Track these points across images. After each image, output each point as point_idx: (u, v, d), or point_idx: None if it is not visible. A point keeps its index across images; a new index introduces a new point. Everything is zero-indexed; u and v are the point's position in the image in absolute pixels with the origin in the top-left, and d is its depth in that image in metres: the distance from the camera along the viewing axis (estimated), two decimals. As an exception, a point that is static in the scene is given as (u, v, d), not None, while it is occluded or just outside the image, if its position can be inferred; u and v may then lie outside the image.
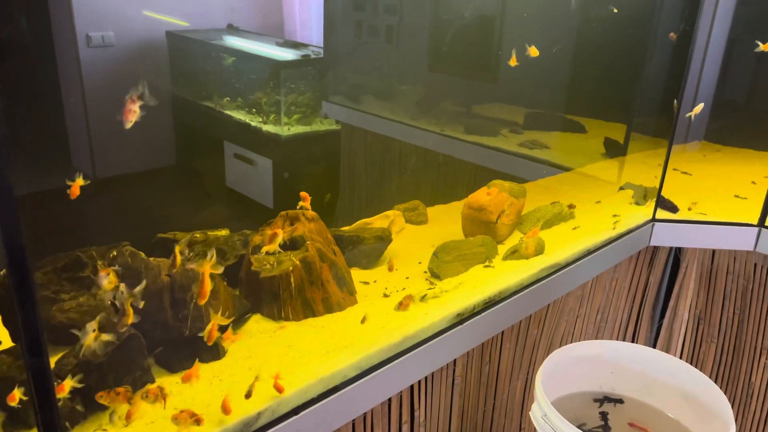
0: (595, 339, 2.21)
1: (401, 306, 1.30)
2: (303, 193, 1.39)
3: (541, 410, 1.31)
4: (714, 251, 2.18)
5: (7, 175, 0.69)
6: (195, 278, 1.18)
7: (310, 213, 1.32)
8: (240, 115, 4.10)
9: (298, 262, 1.25)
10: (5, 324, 1.10)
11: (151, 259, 1.18)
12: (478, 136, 2.96)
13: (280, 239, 1.19)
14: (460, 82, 3.34)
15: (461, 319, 1.47)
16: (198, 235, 1.43)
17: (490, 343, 1.69)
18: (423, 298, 1.40)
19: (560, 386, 1.48)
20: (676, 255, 2.26)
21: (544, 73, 2.91)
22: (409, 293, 1.30)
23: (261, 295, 1.26)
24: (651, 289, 2.32)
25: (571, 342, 2.09)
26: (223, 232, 1.46)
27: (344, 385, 1.24)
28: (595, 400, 1.50)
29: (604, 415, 1.45)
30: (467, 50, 3.15)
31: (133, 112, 0.89)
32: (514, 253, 1.53)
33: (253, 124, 4.05)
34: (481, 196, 1.57)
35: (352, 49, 3.65)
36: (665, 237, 2.07)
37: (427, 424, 1.59)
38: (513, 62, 1.65)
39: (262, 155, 3.97)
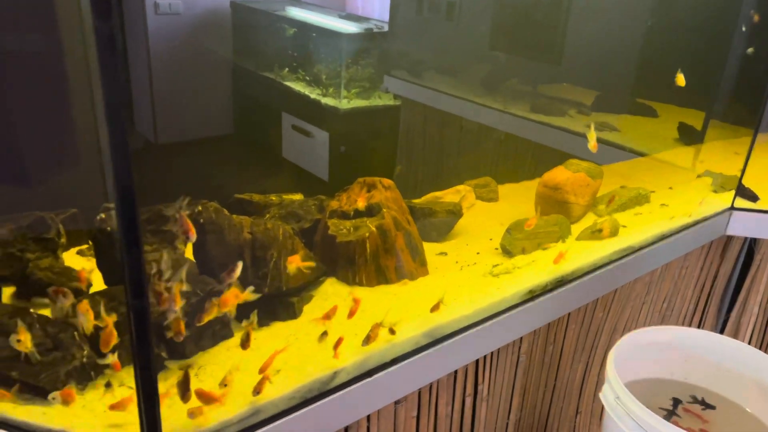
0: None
1: (369, 339, 1.17)
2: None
3: (614, 392, 1.28)
4: (793, 245, 2.09)
5: (125, 121, 0.71)
6: (276, 237, 1.19)
7: (387, 181, 1.32)
8: (299, 87, 4.12)
9: (374, 229, 1.25)
10: (100, 267, 1.14)
11: (234, 216, 1.20)
12: (544, 115, 2.90)
13: (362, 205, 1.19)
14: (523, 62, 3.27)
15: (533, 296, 1.45)
16: (273, 198, 1.45)
17: (557, 323, 1.67)
18: (493, 272, 1.39)
19: (631, 370, 1.44)
20: (751, 246, 2.17)
21: (613, 54, 2.81)
22: (377, 322, 1.19)
23: (336, 259, 1.27)
24: (720, 280, 2.24)
25: (635, 328, 2.05)
26: (297, 197, 1.47)
27: (415, 352, 1.25)
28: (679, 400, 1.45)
29: (675, 402, 1.42)
30: (531, 29, 3.07)
31: (190, 228, 0.95)
32: (595, 233, 1.49)
33: (312, 96, 4.07)
34: (558, 174, 1.54)
35: (418, 25, 3.61)
36: (742, 227, 1.99)
37: (490, 398, 1.59)
38: (680, 81, 1.58)
39: (320, 128, 3.99)
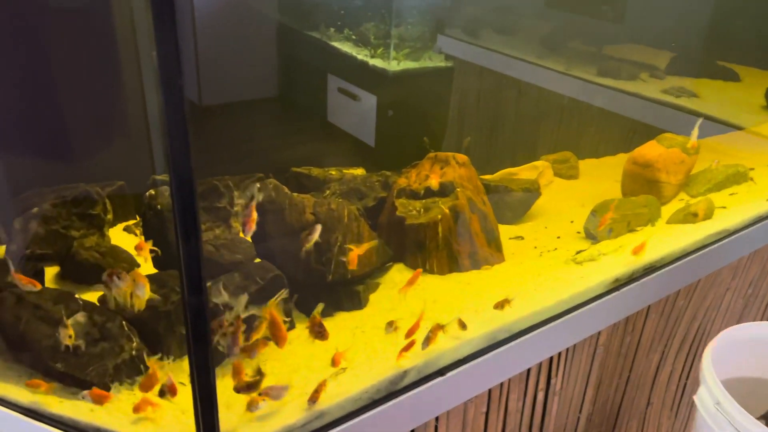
0: (742, 314, 1.98)
1: (428, 341, 1.04)
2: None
3: (712, 397, 1.14)
4: None
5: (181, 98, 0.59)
6: (341, 219, 1.07)
7: (461, 157, 1.18)
8: (346, 47, 3.95)
9: (447, 211, 1.12)
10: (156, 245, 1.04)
11: (295, 195, 1.08)
12: (613, 79, 2.67)
13: (435, 183, 1.06)
14: (586, 20, 3.03)
15: (618, 285, 1.31)
16: (333, 173, 1.33)
17: (637, 312, 1.52)
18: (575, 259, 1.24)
19: (726, 368, 1.29)
20: None
21: (688, 11, 2.56)
22: (437, 323, 1.03)
23: (405, 244, 1.14)
24: (811, 265, 2.03)
25: (716, 316, 1.88)
26: (359, 171, 1.35)
27: (489, 348, 1.12)
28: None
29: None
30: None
31: (253, 220, 0.82)
32: (688, 215, 1.32)
33: (359, 57, 3.90)
34: (649, 150, 1.37)
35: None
36: None
37: (562, 393, 1.46)
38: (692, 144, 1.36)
39: (367, 90, 3.83)
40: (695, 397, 1.20)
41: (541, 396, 1.41)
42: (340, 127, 4.10)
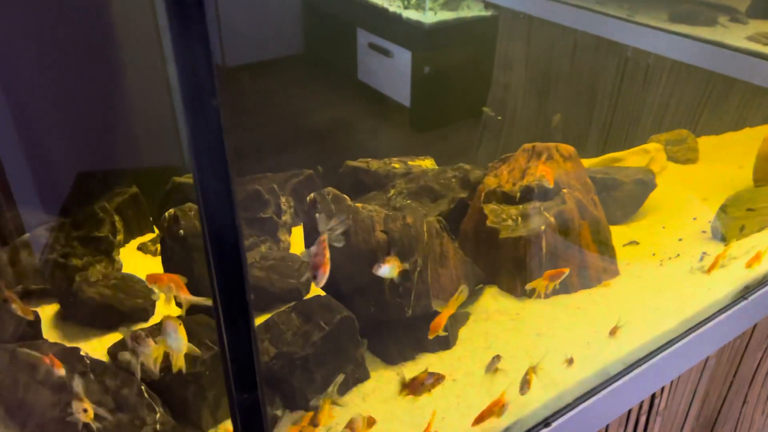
0: None
1: (524, 387, 0.81)
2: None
3: None
4: None
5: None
6: (419, 236, 0.84)
7: (566, 148, 0.93)
8: (377, -1, 3.66)
9: (552, 219, 0.88)
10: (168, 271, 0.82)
11: (359, 205, 0.85)
12: (689, 25, 2.34)
13: (549, 179, 0.82)
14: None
15: (747, 293, 1.07)
16: (396, 165, 1.09)
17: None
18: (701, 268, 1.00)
19: None
20: None
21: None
22: (531, 366, 0.78)
23: (498, 261, 0.91)
24: None
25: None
26: (427, 162, 1.11)
27: (598, 388, 0.91)
28: None
29: None
30: None
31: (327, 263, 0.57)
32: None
33: (391, 9, 3.59)
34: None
35: None
36: None
37: (666, 412, 1.25)
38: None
39: (401, 45, 3.53)
40: None
41: (643, 419, 1.20)
42: (372, 86, 3.82)
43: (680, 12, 2.41)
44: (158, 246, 0.97)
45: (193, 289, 0.72)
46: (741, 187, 1.05)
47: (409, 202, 0.98)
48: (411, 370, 0.84)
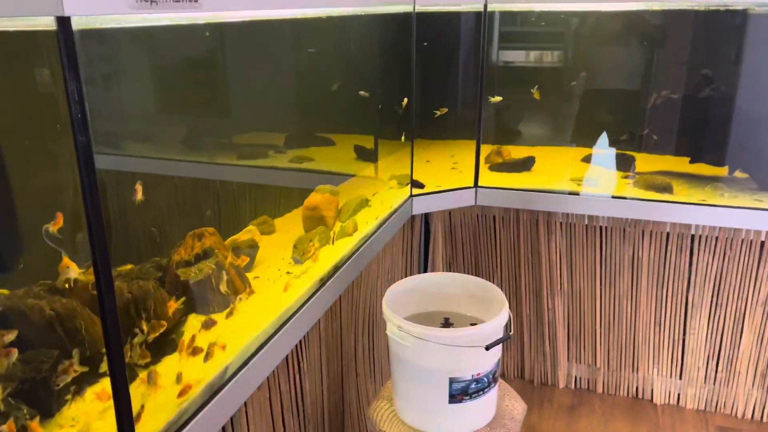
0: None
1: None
2: None
3: (395, 325, 1.92)
4: (450, 211, 3.09)
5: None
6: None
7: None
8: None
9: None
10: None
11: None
12: (251, 159, 3.44)
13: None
14: (205, 120, 3.75)
15: (322, 284, 2.01)
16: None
17: (338, 302, 2.25)
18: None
19: (406, 309, 2.13)
20: (426, 220, 3.11)
21: (285, 102, 3.51)
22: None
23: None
24: (415, 249, 3.13)
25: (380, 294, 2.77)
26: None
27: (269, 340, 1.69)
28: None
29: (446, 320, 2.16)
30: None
31: None
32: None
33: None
34: (313, 198, 2.13)
35: None
36: (419, 207, 2.89)
37: (309, 371, 2.09)
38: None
39: None
40: (387, 332, 1.96)
41: (298, 377, 2.01)
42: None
43: (243, 152, 3.49)
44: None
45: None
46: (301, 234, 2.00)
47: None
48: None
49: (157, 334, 1.30)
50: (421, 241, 3.16)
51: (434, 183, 2.98)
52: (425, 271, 3.20)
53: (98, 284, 1.07)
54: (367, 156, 3.30)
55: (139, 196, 1.25)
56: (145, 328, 1.34)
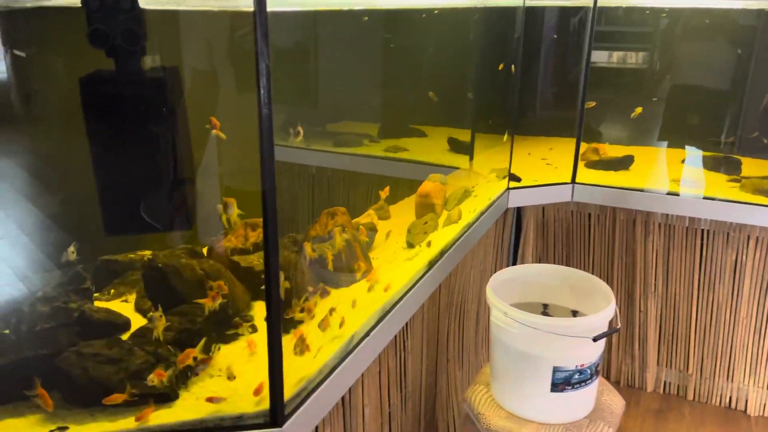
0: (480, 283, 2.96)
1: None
2: None
3: (501, 311, 1.97)
4: (544, 207, 3.10)
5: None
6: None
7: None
8: None
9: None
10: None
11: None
12: (347, 147, 3.54)
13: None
14: (298, 110, 3.90)
15: (431, 266, 2.08)
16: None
17: (438, 288, 2.32)
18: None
19: (508, 297, 2.17)
20: (518, 214, 3.13)
21: (388, 95, 3.59)
22: None
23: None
24: (506, 242, 3.16)
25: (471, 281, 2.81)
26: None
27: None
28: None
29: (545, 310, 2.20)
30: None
31: None
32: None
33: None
34: (425, 186, 2.23)
35: None
36: (515, 200, 2.91)
37: (413, 351, 2.16)
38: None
39: None
40: (491, 318, 2.01)
41: (402, 355, 2.09)
42: None
43: (339, 140, 3.61)
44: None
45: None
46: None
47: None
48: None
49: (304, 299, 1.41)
50: (512, 235, 3.18)
51: (530, 177, 2.99)
52: (514, 264, 3.22)
53: (266, 245, 1.17)
54: (462, 149, 3.35)
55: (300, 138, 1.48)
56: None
